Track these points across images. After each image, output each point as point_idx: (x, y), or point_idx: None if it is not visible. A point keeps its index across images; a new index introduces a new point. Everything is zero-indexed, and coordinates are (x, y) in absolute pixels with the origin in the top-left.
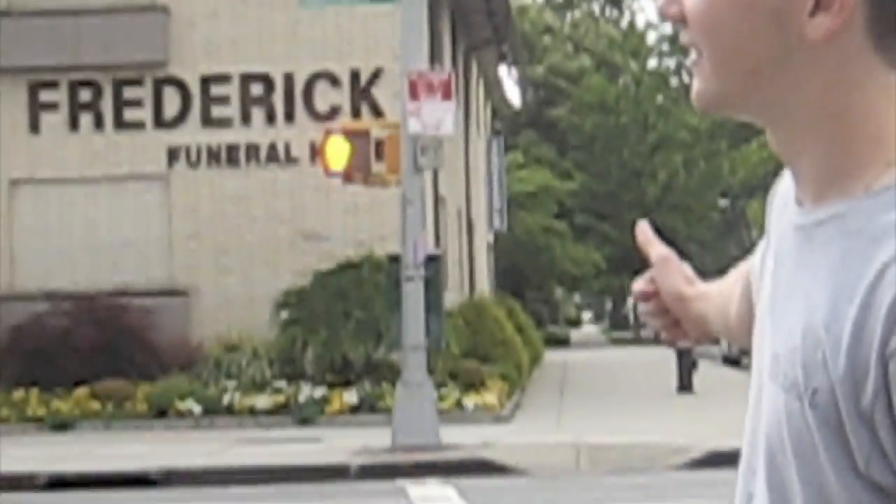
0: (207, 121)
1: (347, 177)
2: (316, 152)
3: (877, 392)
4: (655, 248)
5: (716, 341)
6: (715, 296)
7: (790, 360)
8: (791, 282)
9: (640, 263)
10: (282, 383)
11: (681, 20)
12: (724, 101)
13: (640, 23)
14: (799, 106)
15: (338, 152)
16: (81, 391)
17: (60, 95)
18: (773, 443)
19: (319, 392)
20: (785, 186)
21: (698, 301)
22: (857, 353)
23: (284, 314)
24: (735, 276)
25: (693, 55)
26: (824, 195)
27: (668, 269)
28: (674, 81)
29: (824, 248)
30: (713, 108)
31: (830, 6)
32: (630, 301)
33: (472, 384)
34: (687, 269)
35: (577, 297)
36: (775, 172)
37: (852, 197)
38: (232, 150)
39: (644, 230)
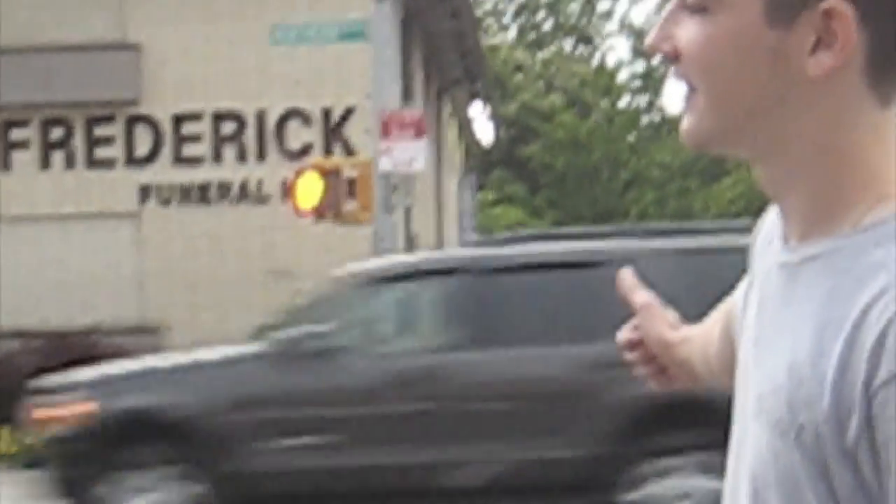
0: (179, 159)
1: (319, 215)
2: (287, 190)
3: (861, 429)
4: (638, 295)
5: (703, 387)
6: (697, 339)
7: (775, 398)
8: (776, 320)
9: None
10: None
11: (674, 57)
12: (718, 137)
13: (612, 61)
14: (793, 142)
15: (309, 190)
16: None
17: (31, 133)
18: (758, 481)
19: None
20: (768, 224)
21: (683, 346)
22: (842, 390)
23: None
24: (715, 316)
25: (686, 91)
26: (811, 232)
27: (651, 317)
28: (645, 119)
29: (809, 286)
30: (705, 144)
31: (832, 44)
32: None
33: None
34: (670, 314)
35: None
36: (747, 210)
37: (839, 234)
38: (203, 188)
39: (625, 278)
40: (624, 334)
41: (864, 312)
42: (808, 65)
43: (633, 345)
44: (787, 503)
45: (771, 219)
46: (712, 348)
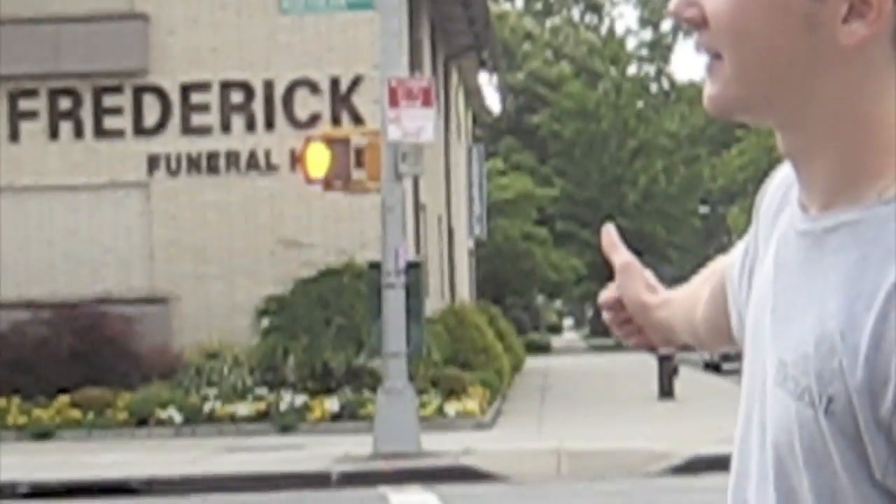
0: (187, 129)
1: (328, 184)
2: (296, 160)
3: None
4: (619, 254)
5: (681, 348)
6: (679, 302)
7: (801, 367)
8: (797, 287)
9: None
10: (263, 391)
11: (700, 23)
12: (744, 105)
13: (620, 29)
14: (820, 111)
15: (318, 160)
16: (62, 400)
17: (40, 104)
18: (781, 450)
19: (300, 399)
20: (774, 188)
21: (661, 309)
22: (876, 362)
23: (265, 322)
24: (701, 279)
25: (708, 59)
26: (834, 201)
27: (630, 277)
28: (654, 87)
29: (836, 255)
30: (730, 112)
31: (866, 14)
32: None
33: (453, 391)
34: (649, 275)
35: (557, 304)
36: (755, 179)
37: (864, 204)
38: (212, 157)
39: (609, 234)
40: (605, 294)
41: None
42: (840, 33)
43: (613, 304)
44: (812, 470)
45: (777, 182)
46: (699, 312)
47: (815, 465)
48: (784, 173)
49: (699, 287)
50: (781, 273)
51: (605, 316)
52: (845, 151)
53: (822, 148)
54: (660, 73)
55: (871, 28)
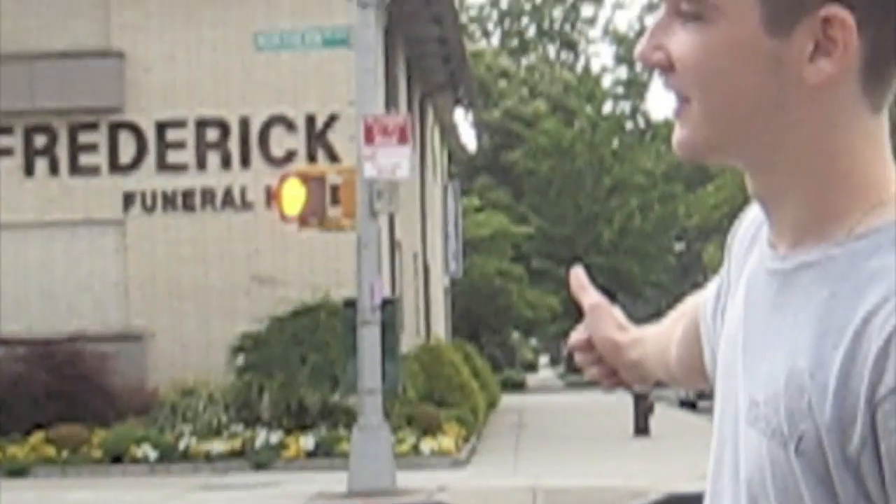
0: (163, 166)
1: (303, 221)
2: (271, 197)
3: (864, 440)
4: (588, 295)
5: (655, 385)
6: (652, 340)
7: (772, 405)
8: (767, 326)
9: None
10: (238, 428)
11: (666, 67)
12: (714, 147)
13: (596, 67)
14: (789, 151)
15: (293, 197)
16: (37, 437)
17: (15, 141)
18: (755, 489)
19: (276, 437)
20: (745, 227)
21: (633, 348)
22: (844, 400)
23: (240, 359)
24: (675, 317)
25: (677, 103)
26: (803, 240)
27: (599, 318)
28: (629, 125)
29: (805, 294)
30: (700, 155)
31: (832, 52)
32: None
33: (429, 428)
34: (619, 315)
35: (533, 342)
36: (731, 216)
37: (834, 241)
38: (187, 195)
39: (578, 276)
40: (575, 335)
41: (865, 322)
42: (806, 72)
43: (584, 346)
44: None
45: (748, 221)
46: (672, 351)
47: (787, 503)
48: (755, 211)
49: (672, 325)
50: (752, 312)
51: (577, 358)
52: (814, 190)
53: (790, 187)
54: (635, 111)
55: (837, 66)
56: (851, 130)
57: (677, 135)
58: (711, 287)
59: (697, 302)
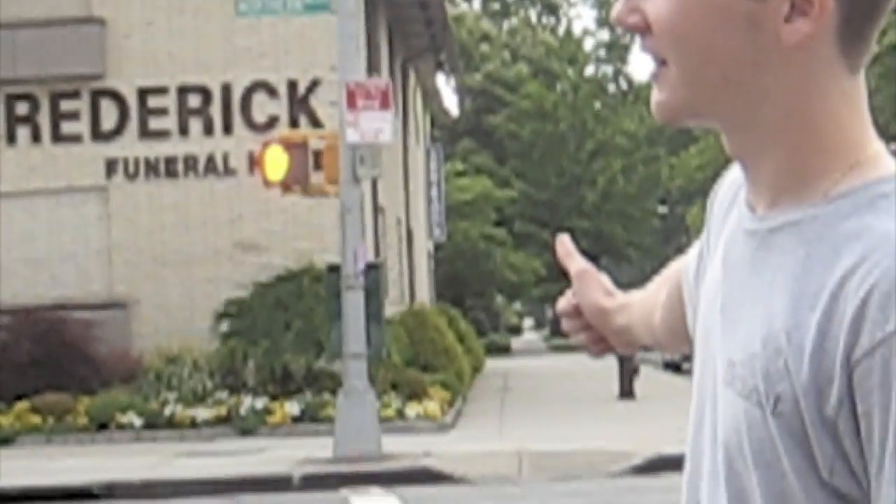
0: (145, 133)
1: (286, 187)
2: (254, 163)
3: (841, 400)
4: (574, 262)
5: (644, 350)
6: (638, 305)
7: (749, 367)
8: (745, 287)
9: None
10: (223, 395)
11: (643, 29)
12: (692, 109)
13: (577, 30)
14: (766, 111)
15: (276, 163)
16: (22, 405)
17: None
18: (731, 450)
19: (261, 403)
20: (725, 189)
21: (620, 313)
22: (821, 361)
23: (225, 325)
24: (658, 281)
25: (654, 65)
26: (780, 201)
27: (587, 284)
28: (611, 88)
29: (782, 254)
30: (678, 118)
31: (808, 11)
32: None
33: (414, 393)
34: (606, 280)
35: (517, 305)
36: (714, 178)
37: (810, 203)
38: (170, 161)
39: (564, 243)
40: (562, 302)
41: (842, 283)
42: (783, 32)
43: (572, 312)
44: (761, 470)
45: (728, 182)
46: (657, 315)
47: (764, 465)
48: (735, 173)
49: (657, 290)
50: (729, 273)
51: (564, 324)
52: (791, 151)
53: (768, 148)
54: (617, 73)
55: (813, 25)
56: (829, 91)
57: (655, 97)
58: (693, 250)
59: (680, 266)
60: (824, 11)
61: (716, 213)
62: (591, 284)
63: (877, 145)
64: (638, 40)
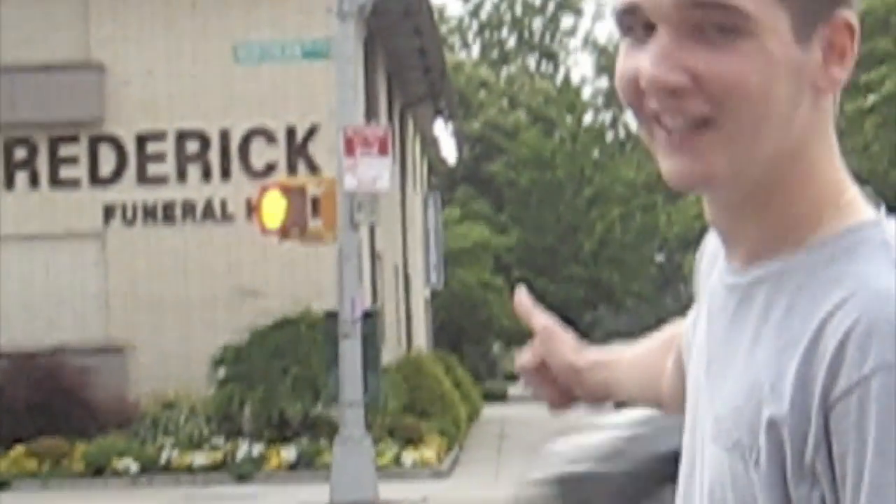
0: (143, 178)
1: (284, 233)
2: (252, 209)
3: (818, 443)
4: (536, 318)
5: (618, 405)
6: (628, 365)
7: (733, 420)
8: (728, 343)
9: (576, 317)
10: (220, 440)
11: (687, 89)
12: (719, 174)
13: (576, 77)
14: (775, 164)
15: (274, 209)
16: (18, 450)
17: None
18: (716, 502)
19: (257, 449)
20: (711, 247)
21: (595, 370)
22: (801, 405)
23: (222, 371)
24: (658, 344)
25: (685, 128)
26: (760, 253)
27: (553, 340)
28: (610, 136)
29: (764, 307)
30: (702, 183)
31: (843, 57)
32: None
33: (411, 440)
34: (570, 337)
35: (514, 353)
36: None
37: (790, 253)
38: (168, 207)
39: (522, 301)
40: (526, 357)
41: (821, 327)
42: (820, 80)
43: (534, 368)
44: None
45: (713, 240)
46: (665, 384)
47: None
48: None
49: (659, 356)
50: (712, 329)
51: (527, 380)
52: (781, 205)
53: (757, 198)
54: (616, 121)
55: (845, 71)
56: (824, 140)
57: (678, 164)
58: (689, 317)
59: (679, 332)
60: (852, 57)
61: (703, 270)
62: (558, 341)
63: (853, 189)
64: (670, 101)
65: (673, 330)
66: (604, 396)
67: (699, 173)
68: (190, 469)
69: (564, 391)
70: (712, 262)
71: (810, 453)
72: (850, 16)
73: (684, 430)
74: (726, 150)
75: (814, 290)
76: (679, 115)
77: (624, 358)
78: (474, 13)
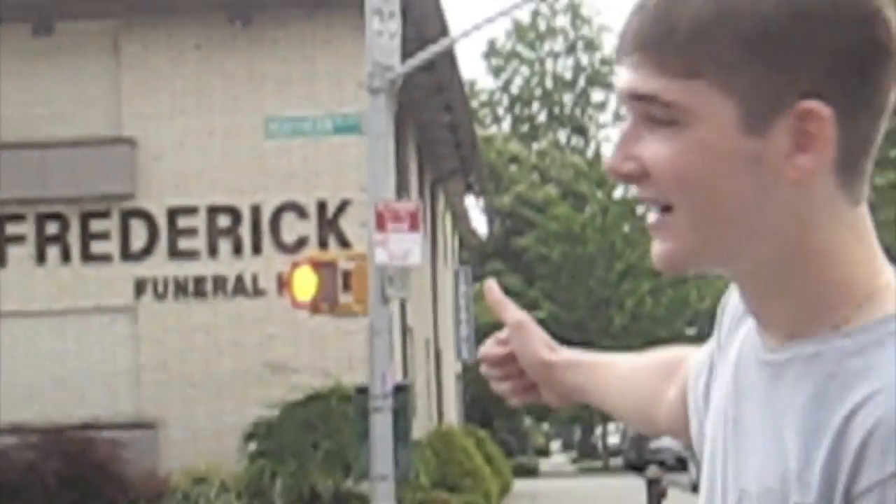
0: (174, 253)
1: (315, 308)
2: (283, 284)
3: None
4: (508, 311)
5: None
6: (612, 375)
7: (766, 500)
8: (757, 417)
9: None
10: None
11: (639, 177)
12: (698, 256)
13: (606, 152)
14: (772, 251)
15: (305, 283)
16: None
17: (27, 228)
18: None
19: None
20: (733, 306)
21: (571, 371)
22: (826, 497)
23: (252, 446)
24: (657, 368)
25: (654, 214)
26: (793, 333)
27: (526, 335)
28: (640, 210)
29: (794, 389)
30: (684, 265)
31: (810, 147)
32: (598, 430)
33: None
34: (544, 334)
35: (545, 427)
36: None
37: (822, 338)
38: (199, 282)
39: (492, 290)
40: (489, 349)
41: (847, 421)
42: (786, 170)
43: (500, 360)
44: None
45: (735, 299)
46: (661, 409)
47: None
48: None
49: (657, 379)
50: (742, 399)
51: (488, 371)
52: (799, 289)
53: (775, 288)
54: None
55: (816, 161)
56: (832, 226)
57: (657, 248)
58: (701, 358)
59: (686, 369)
60: (826, 146)
61: (725, 325)
62: (531, 336)
63: (889, 275)
64: (636, 188)
65: (673, 356)
66: (575, 398)
67: (670, 256)
68: None
69: (527, 387)
70: (736, 323)
71: None
72: (815, 104)
73: (701, 486)
74: (695, 233)
75: (842, 378)
76: (647, 201)
77: (608, 366)
78: (505, 88)
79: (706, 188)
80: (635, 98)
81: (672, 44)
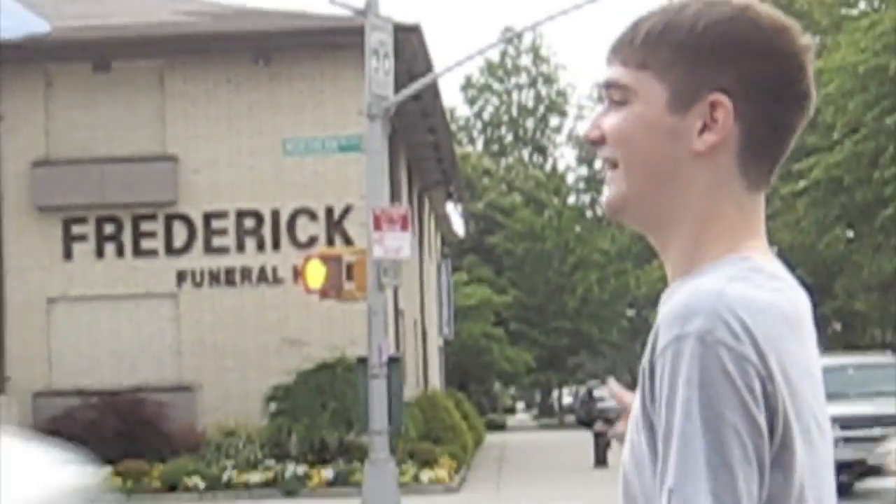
0: (209, 249)
1: (324, 294)
2: (298, 274)
3: (648, 405)
4: (626, 396)
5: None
6: None
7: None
8: None
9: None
10: (271, 462)
11: (599, 140)
12: (628, 203)
13: (561, 166)
14: (677, 211)
15: (316, 274)
16: (106, 470)
17: (89, 229)
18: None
19: (302, 469)
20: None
21: None
22: (646, 376)
23: (273, 406)
24: None
25: (607, 168)
26: (674, 279)
27: None
28: (589, 214)
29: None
30: (620, 208)
31: (714, 128)
32: (555, 393)
33: (427, 461)
34: None
35: (512, 390)
36: None
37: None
38: (229, 272)
39: (613, 388)
40: (621, 427)
41: (659, 320)
42: (695, 143)
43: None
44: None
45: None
46: None
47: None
48: None
49: None
50: None
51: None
52: (688, 247)
53: (673, 242)
54: (594, 202)
55: (717, 137)
56: (723, 200)
57: (605, 194)
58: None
59: None
60: (725, 128)
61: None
62: None
63: (751, 253)
64: (597, 151)
65: None
66: None
67: (611, 201)
68: (247, 486)
69: None
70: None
71: (653, 415)
72: (722, 98)
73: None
74: (623, 185)
75: (668, 299)
76: (603, 159)
77: None
78: (478, 114)
79: (638, 149)
80: (606, 86)
81: (632, 45)
